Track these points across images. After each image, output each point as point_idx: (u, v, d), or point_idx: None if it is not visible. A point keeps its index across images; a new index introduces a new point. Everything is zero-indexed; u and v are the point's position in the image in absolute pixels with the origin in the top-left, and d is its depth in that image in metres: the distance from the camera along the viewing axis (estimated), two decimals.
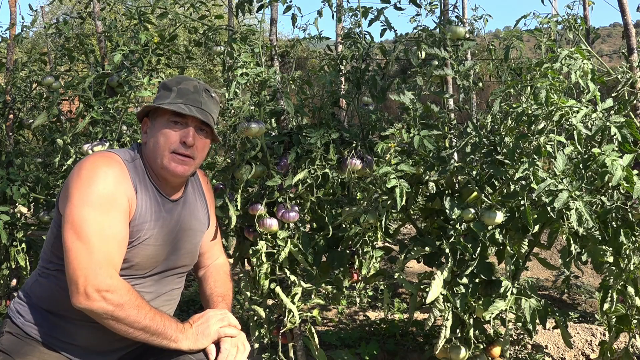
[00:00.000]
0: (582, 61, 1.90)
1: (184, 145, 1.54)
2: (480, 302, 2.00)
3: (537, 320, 1.95)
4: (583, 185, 1.77)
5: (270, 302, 2.29)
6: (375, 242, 2.32)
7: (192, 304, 3.60)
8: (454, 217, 2.00)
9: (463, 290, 2.01)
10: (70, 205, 1.42)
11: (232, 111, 2.14)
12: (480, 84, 2.40)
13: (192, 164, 1.58)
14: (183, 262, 1.65)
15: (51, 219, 2.80)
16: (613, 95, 2.10)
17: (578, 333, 2.94)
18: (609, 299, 2.01)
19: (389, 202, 2.10)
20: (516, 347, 2.80)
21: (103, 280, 1.36)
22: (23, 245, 2.87)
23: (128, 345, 1.58)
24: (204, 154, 1.63)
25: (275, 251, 2.16)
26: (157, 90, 1.64)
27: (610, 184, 1.75)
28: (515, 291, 1.95)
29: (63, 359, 1.50)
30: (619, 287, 2.01)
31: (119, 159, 1.52)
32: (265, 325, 2.28)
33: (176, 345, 1.45)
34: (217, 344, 1.52)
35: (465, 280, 2.03)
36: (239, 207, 2.15)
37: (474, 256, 2.01)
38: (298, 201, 2.23)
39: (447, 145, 2.26)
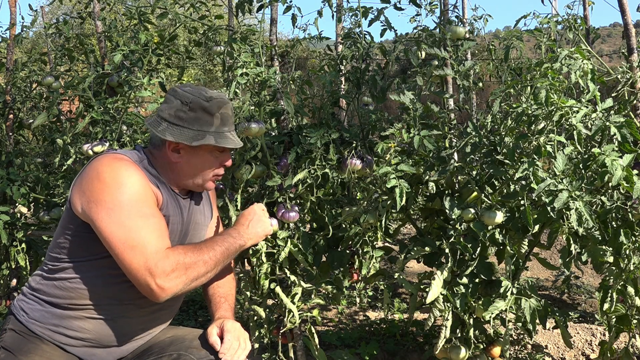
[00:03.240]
0: (582, 61, 1.90)
1: (224, 168, 1.68)
2: (480, 302, 2.00)
3: (537, 320, 1.95)
4: (583, 185, 1.77)
5: (270, 302, 2.29)
6: (375, 242, 2.32)
7: (192, 304, 3.61)
8: (454, 217, 2.00)
9: (463, 290, 2.01)
10: (106, 211, 1.43)
11: None
12: (480, 84, 2.40)
13: None
14: None
15: (51, 219, 2.83)
16: (613, 95, 2.10)
17: (578, 333, 2.94)
18: (609, 299, 2.01)
19: (389, 202, 2.10)
20: (516, 347, 2.80)
21: (163, 269, 1.41)
22: (23, 245, 2.87)
23: (132, 340, 1.59)
24: None
25: (275, 251, 2.16)
26: (190, 108, 1.57)
27: (610, 184, 1.75)
28: (515, 291, 1.95)
29: (66, 356, 1.51)
30: (619, 287, 2.01)
31: (128, 158, 1.53)
32: (265, 325, 2.28)
33: (242, 249, 1.65)
34: (221, 337, 1.55)
35: (465, 280, 2.03)
36: (239, 207, 2.15)
37: (474, 256, 2.01)
38: (298, 201, 2.23)
39: (447, 145, 2.26)
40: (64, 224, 1.53)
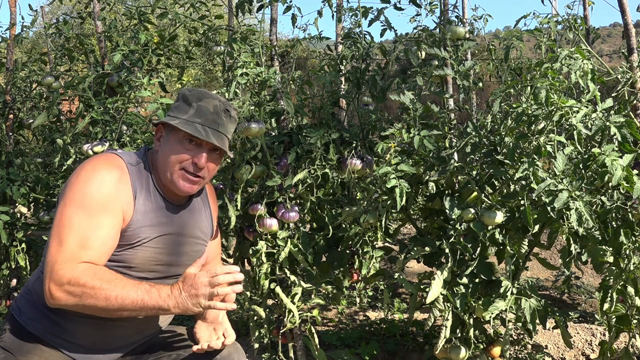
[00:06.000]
0: (582, 61, 1.90)
1: (195, 167, 1.54)
2: (480, 302, 2.00)
3: (537, 320, 1.95)
4: (583, 185, 1.77)
5: (270, 302, 2.29)
6: (375, 242, 2.32)
7: None
8: (454, 217, 2.00)
9: (463, 290, 2.01)
10: (62, 204, 1.43)
11: None
12: (480, 84, 2.40)
13: (201, 183, 1.59)
14: (185, 269, 1.64)
15: (51, 219, 2.83)
16: (613, 95, 2.10)
17: (578, 333, 2.94)
18: (609, 299, 2.01)
19: (389, 202, 2.10)
20: (516, 347, 2.80)
21: (63, 275, 1.35)
22: (23, 245, 2.87)
23: (128, 344, 1.58)
24: (214, 173, 1.63)
25: (275, 251, 2.16)
26: (176, 98, 1.62)
27: (610, 184, 1.75)
28: (515, 291, 1.95)
29: (64, 357, 1.50)
30: (619, 287, 2.01)
31: (121, 162, 1.52)
32: (265, 325, 2.28)
33: (165, 312, 1.41)
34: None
35: (465, 280, 2.03)
36: (239, 207, 2.16)
37: (474, 256, 2.01)
38: (298, 201, 2.23)
39: (447, 145, 2.26)
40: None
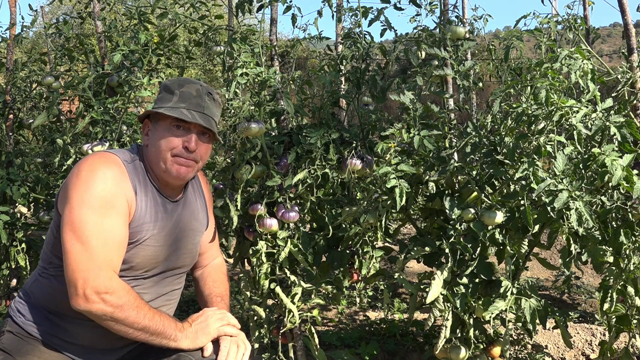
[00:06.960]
0: (582, 61, 1.90)
1: (187, 151, 1.54)
2: (480, 302, 2.00)
3: (537, 320, 1.95)
4: (583, 185, 1.77)
5: (270, 302, 2.29)
6: (375, 242, 2.32)
7: (192, 303, 3.60)
8: (454, 217, 2.00)
9: (463, 290, 2.01)
10: (69, 206, 1.42)
11: (232, 111, 2.14)
12: (480, 84, 2.40)
13: (195, 167, 1.58)
14: (183, 263, 1.65)
15: (51, 219, 2.83)
16: (613, 95, 2.10)
17: (578, 333, 2.94)
18: (609, 299, 2.01)
19: (389, 202, 2.10)
20: (516, 347, 2.80)
21: (102, 283, 1.36)
22: (23, 245, 2.87)
23: (128, 345, 1.58)
24: (207, 157, 1.63)
25: (275, 251, 2.16)
26: (159, 91, 1.63)
27: (610, 184, 1.75)
28: (515, 291, 1.95)
29: (64, 358, 1.50)
30: (619, 287, 2.01)
31: (118, 159, 1.51)
32: (265, 325, 2.28)
33: (175, 345, 1.46)
34: (215, 342, 1.52)
35: (465, 280, 2.03)
36: (239, 207, 2.15)
37: (474, 256, 2.01)
38: (298, 201, 2.23)
39: (447, 145, 2.26)
40: (53, 224, 1.53)
